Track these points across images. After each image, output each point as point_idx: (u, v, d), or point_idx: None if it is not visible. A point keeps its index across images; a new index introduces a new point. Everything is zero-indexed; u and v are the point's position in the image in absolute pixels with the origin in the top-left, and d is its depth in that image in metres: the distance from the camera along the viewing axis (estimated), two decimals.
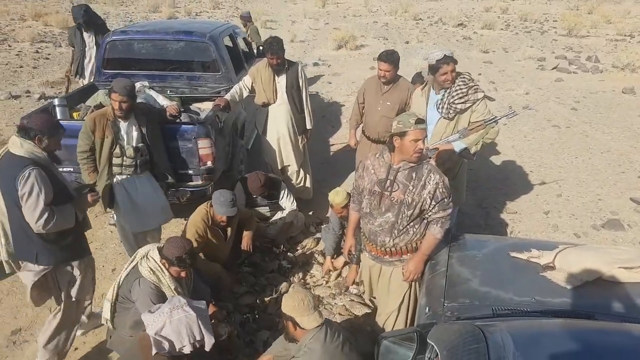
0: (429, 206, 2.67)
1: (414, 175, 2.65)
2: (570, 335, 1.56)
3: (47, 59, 12.33)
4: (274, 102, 4.71)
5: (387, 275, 2.99)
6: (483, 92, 3.54)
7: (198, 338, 2.49)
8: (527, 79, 10.93)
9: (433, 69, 3.49)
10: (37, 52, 12.98)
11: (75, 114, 4.62)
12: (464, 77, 3.51)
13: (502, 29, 18.11)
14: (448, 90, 3.50)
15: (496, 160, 6.56)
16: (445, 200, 2.66)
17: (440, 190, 2.63)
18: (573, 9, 23.08)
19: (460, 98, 3.46)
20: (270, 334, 3.41)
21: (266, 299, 3.84)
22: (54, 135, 2.81)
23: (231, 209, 3.64)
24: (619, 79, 10.85)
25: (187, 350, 2.47)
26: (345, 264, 4.13)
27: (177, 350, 2.45)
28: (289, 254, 4.42)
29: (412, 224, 2.75)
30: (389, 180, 2.69)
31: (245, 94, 4.79)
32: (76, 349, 3.42)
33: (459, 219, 4.60)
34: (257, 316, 3.66)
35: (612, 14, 20.70)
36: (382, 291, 3.12)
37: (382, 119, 4.39)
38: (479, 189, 5.69)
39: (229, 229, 3.91)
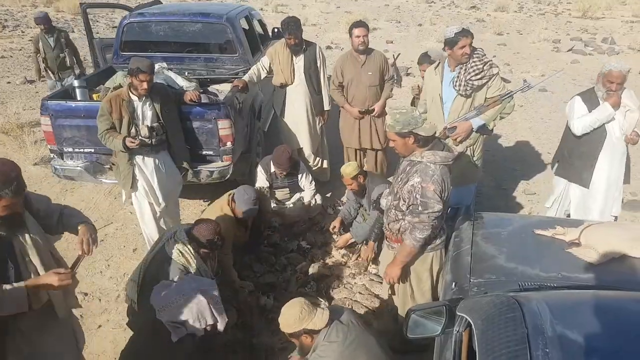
0: (403, 204, 2.67)
1: (408, 168, 2.68)
2: (606, 303, 1.57)
3: None
4: (292, 83, 4.73)
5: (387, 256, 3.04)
6: (498, 67, 3.53)
7: (210, 322, 2.50)
8: (543, 61, 10.77)
9: (451, 42, 3.45)
10: None
11: (95, 96, 4.66)
12: (478, 53, 3.50)
13: (515, 12, 17.80)
14: (464, 67, 3.48)
15: (514, 141, 6.53)
16: (419, 207, 2.57)
17: (415, 194, 2.58)
18: None
19: (476, 74, 3.44)
20: None
21: (286, 278, 3.89)
22: (15, 193, 1.97)
23: (254, 208, 3.63)
24: (636, 60, 10.64)
25: (200, 334, 2.48)
26: (352, 244, 4.16)
27: (188, 331, 2.46)
28: (307, 234, 4.45)
29: (399, 214, 2.75)
30: (399, 167, 2.83)
31: (263, 75, 4.81)
32: (99, 326, 3.49)
33: (477, 199, 4.61)
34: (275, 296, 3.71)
35: None
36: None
37: (369, 89, 4.57)
38: (497, 170, 5.67)
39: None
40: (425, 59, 4.26)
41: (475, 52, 3.48)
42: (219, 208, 3.68)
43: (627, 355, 1.39)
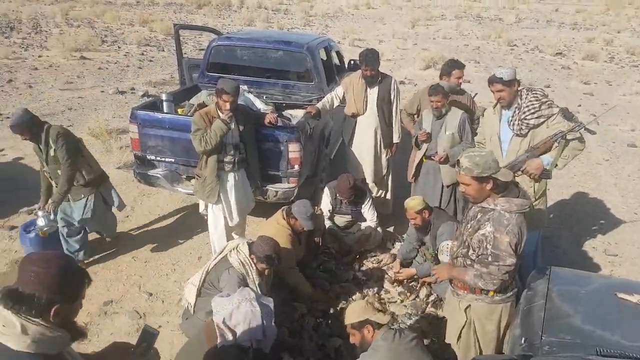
0: (472, 253, 2.53)
1: (479, 215, 2.54)
2: None
3: (150, 61, 13.40)
4: (363, 114, 4.74)
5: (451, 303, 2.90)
6: (559, 107, 3.35)
7: (259, 336, 2.46)
8: (634, 114, 10.07)
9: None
10: (142, 54, 14.14)
11: (180, 110, 4.95)
12: (536, 93, 3.38)
13: (605, 61, 16.89)
14: (519, 106, 3.36)
15: (597, 197, 6.09)
16: (489, 258, 2.43)
17: (486, 244, 2.44)
18: None
19: (532, 113, 3.30)
20: (343, 343, 3.35)
21: (339, 307, 3.79)
22: (76, 298, 1.53)
23: (310, 222, 3.74)
24: None
25: (246, 344, 2.46)
26: (413, 278, 4.04)
27: (236, 341, 2.44)
28: (363, 267, 4.35)
29: (467, 262, 2.61)
30: (468, 213, 2.70)
31: (336, 103, 4.88)
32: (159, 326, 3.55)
33: (553, 253, 4.31)
34: (329, 321, 3.63)
35: None
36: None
37: None
38: (577, 224, 5.32)
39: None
40: (438, 90, 4.06)
41: (533, 92, 3.37)
42: (275, 222, 3.79)
43: None
